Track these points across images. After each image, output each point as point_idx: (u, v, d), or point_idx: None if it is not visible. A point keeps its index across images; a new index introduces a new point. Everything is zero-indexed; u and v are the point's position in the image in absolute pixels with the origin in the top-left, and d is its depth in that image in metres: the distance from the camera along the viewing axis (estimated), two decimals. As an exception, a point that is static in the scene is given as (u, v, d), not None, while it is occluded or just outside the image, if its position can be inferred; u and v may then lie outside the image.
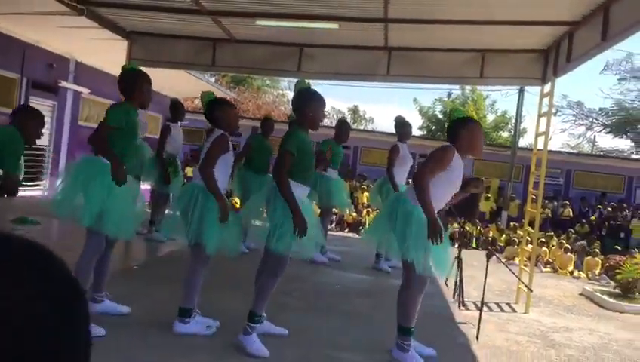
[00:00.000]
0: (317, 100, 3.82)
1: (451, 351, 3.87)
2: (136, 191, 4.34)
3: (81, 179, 3.85)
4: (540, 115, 9.18)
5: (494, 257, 7.93)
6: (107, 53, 11.07)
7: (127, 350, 3.50)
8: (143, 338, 3.75)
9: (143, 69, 10.27)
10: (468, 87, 31.88)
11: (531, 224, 9.33)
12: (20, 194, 6.86)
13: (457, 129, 3.87)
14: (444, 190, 3.85)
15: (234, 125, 4.17)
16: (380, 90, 70.09)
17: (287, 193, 3.58)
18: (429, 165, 3.75)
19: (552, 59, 8.44)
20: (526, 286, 9.50)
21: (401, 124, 7.52)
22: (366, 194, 18.47)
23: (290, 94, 40.18)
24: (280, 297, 4.44)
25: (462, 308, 8.65)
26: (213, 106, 4.11)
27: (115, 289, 4.41)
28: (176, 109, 8.24)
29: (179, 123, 8.16)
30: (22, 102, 10.86)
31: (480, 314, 6.39)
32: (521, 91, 19.99)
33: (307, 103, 3.77)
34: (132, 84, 4.09)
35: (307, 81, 3.95)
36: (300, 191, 3.72)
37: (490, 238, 18.28)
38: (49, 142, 12.22)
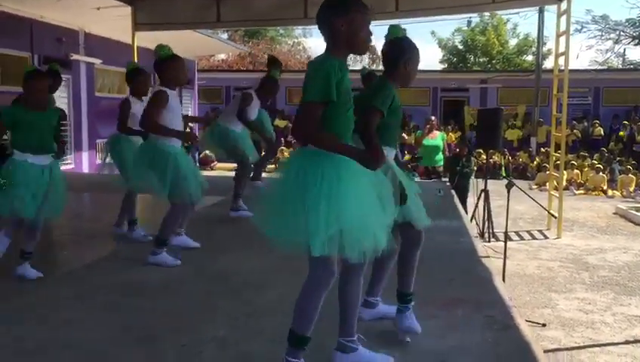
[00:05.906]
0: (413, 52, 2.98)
1: (474, 285, 3.84)
2: None
3: None
4: (558, 35, 8.88)
5: (526, 185, 7.82)
6: (114, 21, 11.00)
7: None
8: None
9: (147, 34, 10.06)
10: (486, 13, 30.95)
11: (559, 148, 9.15)
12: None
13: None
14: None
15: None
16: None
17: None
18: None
19: (566, -25, 8.09)
20: (548, 211, 9.41)
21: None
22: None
23: (306, 42, 39.65)
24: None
25: (492, 239, 8.62)
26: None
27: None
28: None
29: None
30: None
31: (505, 245, 6.33)
32: (541, 12, 19.27)
33: (402, 55, 2.92)
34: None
35: (402, 27, 3.03)
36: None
37: (521, 166, 18.06)
38: (68, 117, 12.30)
